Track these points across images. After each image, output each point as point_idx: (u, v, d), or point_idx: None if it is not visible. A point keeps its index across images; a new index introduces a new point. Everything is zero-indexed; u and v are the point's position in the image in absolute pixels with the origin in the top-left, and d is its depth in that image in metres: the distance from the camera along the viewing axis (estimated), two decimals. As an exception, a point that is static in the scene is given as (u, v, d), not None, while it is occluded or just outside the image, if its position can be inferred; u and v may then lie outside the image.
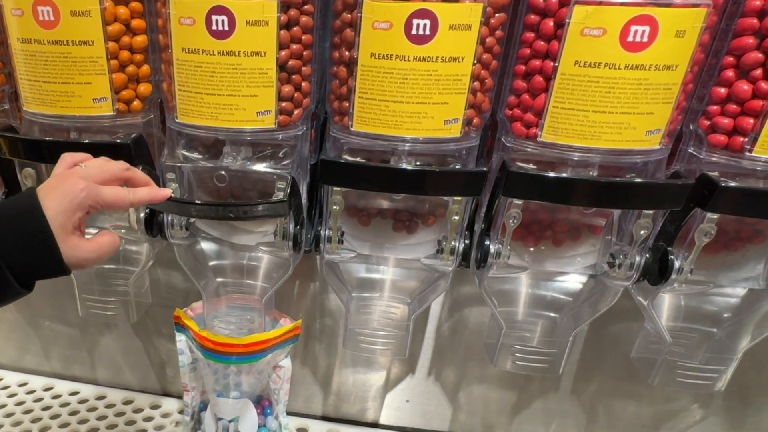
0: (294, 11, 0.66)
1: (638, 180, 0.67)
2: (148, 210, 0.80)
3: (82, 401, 1.16)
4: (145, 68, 0.74)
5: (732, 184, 0.63)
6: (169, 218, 0.81)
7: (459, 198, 0.72)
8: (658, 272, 0.72)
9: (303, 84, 0.71)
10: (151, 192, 0.61)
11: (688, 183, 0.65)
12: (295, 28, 0.67)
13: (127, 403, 1.16)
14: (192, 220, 0.82)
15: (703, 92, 0.65)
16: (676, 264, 0.70)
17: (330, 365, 1.09)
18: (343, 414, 1.14)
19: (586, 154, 0.66)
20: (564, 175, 0.67)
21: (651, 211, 0.69)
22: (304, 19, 0.67)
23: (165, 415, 1.13)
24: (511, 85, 0.68)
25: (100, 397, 1.17)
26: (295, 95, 0.70)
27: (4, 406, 1.14)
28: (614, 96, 0.61)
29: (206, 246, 0.89)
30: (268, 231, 0.82)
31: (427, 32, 0.62)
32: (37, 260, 0.53)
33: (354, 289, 0.87)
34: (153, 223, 0.81)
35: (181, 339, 0.93)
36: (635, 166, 0.68)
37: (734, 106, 0.63)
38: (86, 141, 0.75)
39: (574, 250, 0.79)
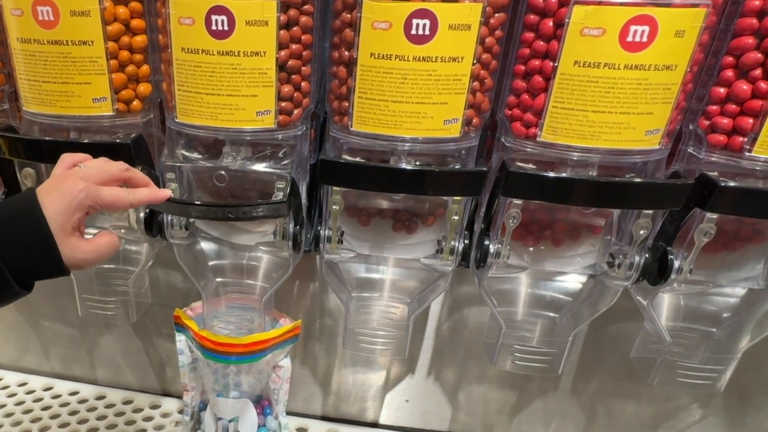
0: (293, 11, 0.66)
1: (638, 180, 0.67)
2: (147, 210, 0.80)
3: (82, 401, 1.16)
4: (145, 68, 0.74)
5: (731, 184, 0.63)
6: (169, 218, 0.81)
7: (458, 198, 0.72)
8: (657, 272, 0.72)
9: (302, 84, 0.71)
10: (150, 193, 0.61)
11: (688, 183, 0.65)
12: (294, 28, 0.67)
13: (126, 402, 1.16)
14: (192, 220, 0.83)
15: (703, 92, 0.65)
16: (676, 264, 0.70)
17: (330, 365, 1.09)
18: (343, 414, 1.14)
19: (585, 154, 0.66)
20: (563, 175, 0.67)
21: (650, 211, 0.69)
22: (303, 19, 0.67)
23: (165, 415, 1.13)
24: (511, 85, 0.68)
25: (100, 397, 1.17)
26: (295, 95, 0.70)
27: (3, 405, 1.14)
28: (614, 96, 0.61)
29: (206, 246, 0.89)
30: (267, 231, 0.82)
31: (427, 32, 0.62)
32: (37, 261, 0.53)
33: (354, 288, 0.87)
34: (153, 223, 0.81)
35: (180, 339, 0.93)
36: (635, 166, 0.68)
37: (734, 106, 0.63)
38: (86, 141, 0.75)
39: (573, 250, 0.79)
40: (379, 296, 0.87)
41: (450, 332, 1.02)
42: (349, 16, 0.65)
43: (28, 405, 1.14)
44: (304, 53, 0.69)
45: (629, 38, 0.58)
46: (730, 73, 0.62)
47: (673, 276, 0.71)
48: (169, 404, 1.16)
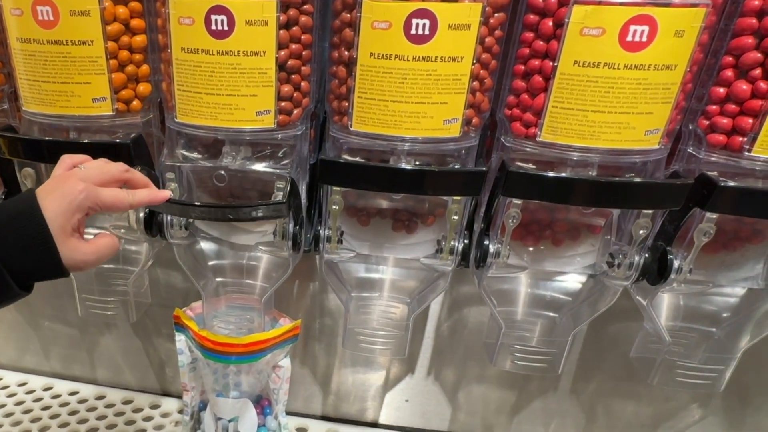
0: (293, 11, 0.66)
1: (637, 180, 0.67)
2: (147, 210, 0.80)
3: (82, 401, 1.16)
4: (145, 68, 0.74)
5: (731, 183, 0.63)
6: (169, 218, 0.81)
7: (458, 198, 0.72)
8: (657, 272, 0.72)
9: (302, 84, 0.71)
10: (150, 194, 0.61)
11: (687, 183, 0.65)
12: (294, 28, 0.67)
13: (126, 402, 1.16)
14: (191, 220, 0.83)
15: (702, 92, 0.65)
16: (675, 264, 0.70)
17: (329, 365, 1.09)
18: (343, 414, 1.14)
19: (585, 154, 0.66)
20: (563, 174, 0.67)
21: (650, 211, 0.69)
22: (303, 18, 0.67)
23: (164, 415, 1.13)
24: (511, 85, 0.68)
25: (100, 397, 1.17)
26: (295, 95, 0.70)
27: (3, 405, 1.14)
28: (613, 96, 0.61)
29: (206, 246, 0.89)
30: (267, 231, 0.82)
31: (427, 32, 0.62)
32: (36, 262, 0.53)
33: (353, 288, 0.87)
34: (152, 222, 0.81)
35: (180, 339, 0.93)
36: (634, 165, 0.68)
37: (733, 106, 0.63)
38: (85, 141, 0.75)
39: (573, 250, 0.79)
40: (378, 296, 0.87)
41: (450, 332, 1.02)
42: (348, 15, 0.65)
43: (27, 405, 1.14)
44: (303, 53, 0.69)
45: (629, 38, 0.58)
46: (729, 73, 0.62)
47: (672, 276, 0.71)
48: (169, 404, 1.16)
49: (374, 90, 0.66)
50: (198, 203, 0.73)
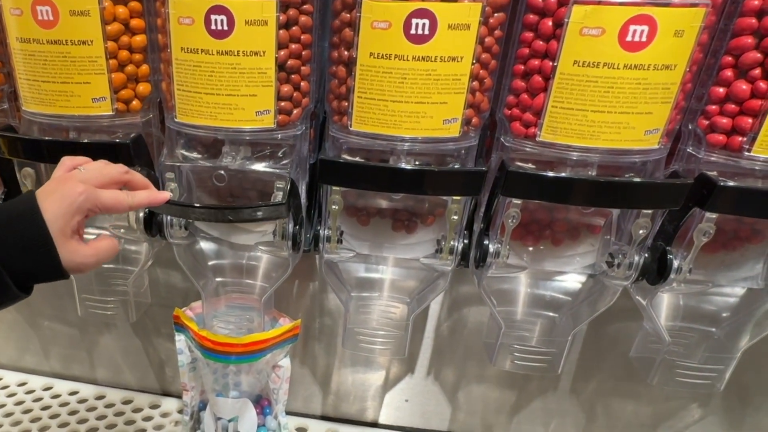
0: (293, 11, 0.66)
1: (637, 179, 0.67)
2: (147, 210, 0.80)
3: (82, 401, 1.16)
4: (144, 68, 0.74)
5: (731, 183, 0.63)
6: (168, 218, 0.81)
7: (458, 197, 0.72)
8: (656, 272, 0.72)
9: (302, 83, 0.71)
10: (149, 195, 0.61)
11: (687, 182, 0.65)
12: (294, 28, 0.67)
13: (126, 402, 1.16)
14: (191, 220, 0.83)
15: (702, 92, 0.65)
16: (675, 263, 0.70)
17: (329, 365, 1.09)
18: (343, 413, 1.14)
19: (584, 154, 0.66)
20: (563, 174, 0.67)
21: (650, 211, 0.69)
22: (303, 18, 0.67)
23: (164, 415, 1.13)
24: (510, 85, 0.68)
25: (100, 397, 1.17)
26: (294, 95, 0.70)
27: (3, 405, 1.14)
28: (613, 95, 0.61)
29: (205, 245, 0.89)
30: (267, 230, 0.82)
31: (426, 32, 0.62)
32: (36, 264, 0.53)
33: (353, 288, 0.87)
34: (152, 222, 0.81)
35: (180, 339, 0.93)
36: (634, 165, 0.68)
37: (733, 106, 0.63)
38: (85, 141, 0.75)
39: (573, 250, 0.79)
40: (378, 296, 0.88)
41: (449, 332, 1.02)
42: (348, 15, 0.65)
43: (27, 405, 1.14)
44: (303, 53, 0.69)
45: (628, 38, 0.58)
46: (729, 73, 0.62)
47: (672, 276, 0.71)
48: (169, 404, 1.16)
49: (374, 90, 0.66)
50: (197, 204, 0.73)
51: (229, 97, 0.68)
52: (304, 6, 0.66)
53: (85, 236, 0.58)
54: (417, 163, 0.70)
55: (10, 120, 0.83)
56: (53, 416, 1.11)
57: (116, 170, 0.59)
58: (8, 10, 0.70)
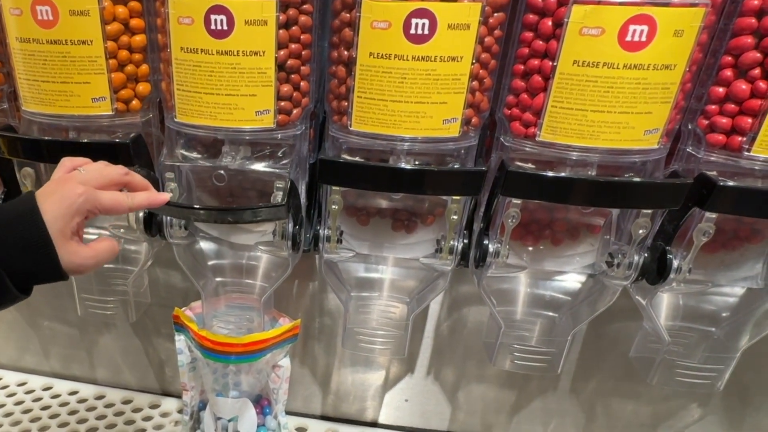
0: (293, 11, 0.66)
1: (637, 179, 0.67)
2: (147, 210, 0.80)
3: (81, 401, 1.16)
4: (144, 68, 0.74)
5: (730, 183, 0.63)
6: (168, 218, 0.81)
7: (458, 197, 0.72)
8: (656, 271, 0.72)
9: (302, 83, 0.71)
10: (149, 197, 0.61)
11: (687, 182, 0.65)
12: (293, 28, 0.67)
13: (126, 402, 1.16)
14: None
15: (702, 92, 0.65)
16: (675, 263, 0.70)
17: (329, 365, 1.09)
18: (342, 413, 1.14)
19: (584, 154, 0.66)
20: (562, 174, 0.67)
21: (649, 211, 0.69)
22: (302, 18, 0.67)
23: (164, 415, 1.13)
24: (510, 85, 0.68)
25: (100, 397, 1.17)
26: (294, 95, 0.70)
27: (3, 405, 1.14)
28: (613, 95, 0.61)
29: (205, 245, 0.89)
30: (267, 230, 0.82)
31: (426, 32, 0.62)
32: (36, 265, 0.53)
33: (353, 288, 0.87)
34: (152, 222, 0.81)
35: (180, 338, 0.93)
36: (634, 165, 0.68)
37: (732, 106, 0.63)
38: (85, 140, 0.75)
39: (572, 250, 0.79)
40: (378, 296, 0.88)
41: (449, 332, 1.02)
42: (348, 15, 0.65)
43: (27, 405, 1.14)
44: (303, 53, 0.69)
45: (628, 38, 0.59)
46: (729, 73, 0.62)
47: (672, 275, 0.71)
48: (169, 404, 1.16)
49: (374, 90, 0.66)
50: (197, 206, 0.73)
51: (229, 97, 0.68)
52: (304, 6, 0.66)
53: (84, 236, 0.58)
54: (417, 162, 0.70)
55: (9, 120, 0.83)
56: (53, 416, 1.11)
57: (116, 171, 0.59)
58: (8, 9, 0.70)
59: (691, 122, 0.67)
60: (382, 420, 1.13)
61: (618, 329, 0.94)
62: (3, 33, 0.73)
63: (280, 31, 0.66)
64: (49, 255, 0.52)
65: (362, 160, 0.72)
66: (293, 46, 0.68)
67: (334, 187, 0.73)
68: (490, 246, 0.74)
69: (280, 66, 0.68)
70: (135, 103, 0.76)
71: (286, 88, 0.69)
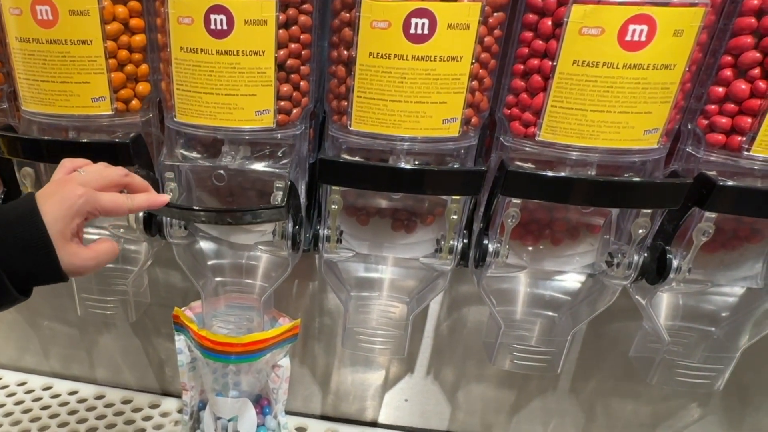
0: (292, 10, 0.66)
1: (636, 179, 0.67)
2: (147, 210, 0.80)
3: (81, 400, 1.16)
4: (144, 67, 0.74)
5: (730, 183, 0.63)
6: (168, 218, 0.81)
7: (457, 197, 0.72)
8: (656, 271, 0.72)
9: (302, 83, 0.71)
10: (149, 198, 0.62)
11: (686, 182, 0.65)
12: (293, 28, 0.67)
13: (126, 402, 1.16)
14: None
15: (701, 91, 0.65)
16: (675, 263, 0.70)
17: (329, 364, 1.09)
18: (342, 413, 1.14)
19: (584, 153, 0.66)
20: (562, 174, 0.67)
21: (649, 210, 0.69)
22: (302, 18, 0.67)
23: (164, 415, 1.13)
24: (510, 85, 0.68)
25: (99, 397, 1.17)
26: (294, 94, 0.70)
27: (3, 405, 1.14)
28: (612, 95, 0.61)
29: (205, 245, 0.89)
30: (266, 230, 0.82)
31: (426, 31, 0.62)
32: (35, 267, 0.53)
33: (353, 288, 0.87)
34: (152, 222, 0.81)
35: (180, 338, 0.93)
36: (633, 165, 0.68)
37: (732, 106, 0.63)
38: (85, 140, 0.75)
39: (572, 249, 0.79)
40: (378, 295, 0.88)
41: (449, 331, 1.02)
42: (348, 15, 0.65)
43: (27, 404, 1.14)
44: (303, 52, 0.69)
45: (628, 37, 0.59)
46: (728, 73, 0.62)
47: (671, 275, 0.71)
48: (169, 404, 1.16)
49: (373, 89, 0.66)
50: (197, 207, 0.73)
51: (229, 97, 0.68)
52: (304, 5, 0.66)
53: (84, 236, 0.58)
54: (416, 162, 0.70)
55: (9, 120, 0.83)
56: (53, 416, 1.11)
57: (116, 173, 0.60)
58: (8, 9, 0.70)
59: (690, 122, 0.67)
60: (381, 420, 1.13)
61: (618, 329, 0.94)
62: (3, 33, 0.73)
63: (280, 31, 0.66)
64: (49, 256, 0.52)
65: (362, 159, 0.72)
66: (293, 45, 0.68)
67: (333, 187, 0.73)
68: (489, 246, 0.74)
69: (280, 66, 0.68)
70: (135, 102, 0.76)
71: (285, 88, 0.69)
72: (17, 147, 0.76)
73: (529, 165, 0.69)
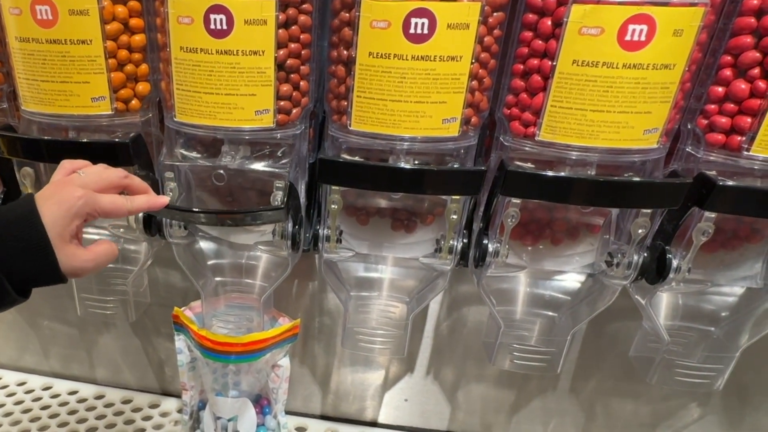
0: (292, 10, 0.66)
1: (636, 179, 0.67)
2: (146, 210, 0.80)
3: (81, 400, 1.16)
4: (144, 67, 0.74)
5: (730, 183, 0.63)
6: (168, 217, 0.81)
7: (457, 197, 0.72)
8: (656, 271, 0.72)
9: (301, 83, 0.71)
10: (149, 200, 0.62)
11: (686, 182, 0.65)
12: (293, 27, 0.67)
13: (126, 402, 1.16)
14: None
15: (701, 91, 0.65)
16: (674, 263, 0.70)
17: (329, 364, 1.09)
18: (342, 413, 1.14)
19: (584, 153, 0.66)
20: (562, 174, 0.67)
21: (649, 210, 0.69)
22: (302, 18, 0.67)
23: (164, 414, 1.13)
24: (509, 84, 0.68)
25: (99, 397, 1.17)
26: (294, 94, 0.70)
27: (2, 405, 1.14)
28: (612, 95, 0.61)
29: (205, 245, 0.89)
30: (266, 230, 0.82)
31: (425, 31, 0.62)
32: (34, 268, 0.53)
33: (352, 288, 0.87)
34: (152, 222, 0.81)
35: (179, 338, 0.93)
36: (633, 165, 0.68)
37: (732, 105, 0.63)
38: (84, 140, 0.75)
39: (572, 249, 0.79)
40: (377, 295, 0.88)
41: (449, 331, 1.02)
42: (347, 15, 0.65)
43: (27, 404, 1.14)
44: (302, 52, 0.69)
45: (627, 37, 0.59)
46: (728, 72, 0.62)
47: (671, 275, 0.71)
48: (168, 403, 1.16)
49: (373, 89, 0.66)
50: (197, 209, 0.73)
51: (229, 97, 0.68)
52: (304, 5, 0.66)
53: (84, 236, 0.58)
54: (416, 162, 0.70)
55: (9, 119, 0.83)
56: (53, 416, 1.11)
57: (115, 174, 0.60)
58: (7, 9, 0.70)
59: (690, 122, 0.67)
60: (381, 420, 1.13)
61: (617, 329, 0.94)
62: (2, 32, 0.73)
63: (280, 31, 0.66)
64: (48, 258, 0.52)
65: (362, 159, 0.72)
66: (293, 45, 0.68)
67: (333, 187, 0.73)
68: (489, 245, 0.74)
69: (280, 65, 0.68)
70: (134, 102, 0.76)
71: (285, 88, 0.69)
72: (17, 147, 0.76)
73: (529, 165, 0.69)
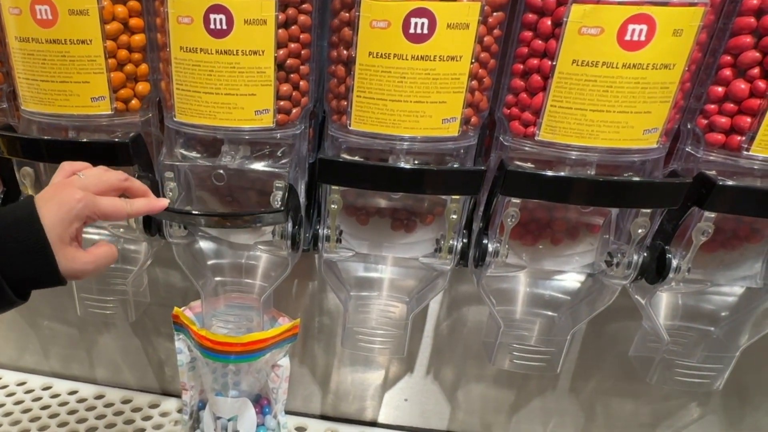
0: (292, 10, 0.66)
1: (636, 179, 0.67)
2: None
3: (81, 400, 1.16)
4: (144, 67, 0.74)
5: (729, 182, 0.63)
6: (168, 217, 0.81)
7: (457, 197, 0.72)
8: (655, 271, 0.72)
9: (301, 83, 0.71)
10: (148, 203, 0.62)
11: (686, 182, 0.65)
12: (293, 27, 0.67)
13: (125, 402, 1.16)
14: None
15: (701, 91, 0.65)
16: (674, 263, 0.70)
17: (328, 364, 1.09)
18: (342, 413, 1.14)
19: (583, 153, 0.66)
20: (562, 173, 0.67)
21: (648, 210, 0.69)
22: (302, 17, 0.67)
23: (164, 414, 1.13)
24: (509, 84, 0.68)
25: (99, 396, 1.17)
26: (294, 94, 0.70)
27: (2, 405, 1.13)
28: (612, 95, 0.61)
29: (205, 245, 0.89)
30: (266, 230, 0.82)
31: (425, 31, 0.62)
32: (34, 271, 0.53)
33: (352, 288, 0.87)
34: (151, 222, 0.81)
35: (179, 338, 0.93)
36: (633, 164, 0.68)
37: (732, 105, 0.63)
38: (84, 140, 0.75)
39: (572, 249, 0.79)
40: (377, 295, 0.88)
41: (449, 331, 1.02)
42: (347, 14, 0.65)
43: (27, 404, 1.14)
44: (302, 52, 0.69)
45: (627, 37, 0.59)
46: (728, 72, 0.62)
47: (671, 275, 0.71)
48: (168, 403, 1.16)
49: (373, 89, 0.66)
50: (196, 212, 0.73)
51: (228, 97, 0.68)
52: (303, 5, 0.66)
53: (84, 236, 0.58)
54: (416, 162, 0.71)
55: (9, 119, 0.83)
56: (52, 416, 1.11)
57: (115, 177, 0.60)
58: (7, 9, 0.70)
59: (690, 122, 0.67)
60: (381, 419, 1.13)
61: (617, 328, 0.94)
62: (2, 32, 0.73)
63: (280, 31, 0.66)
64: (48, 260, 0.52)
65: (361, 159, 0.72)
66: (292, 45, 0.68)
67: (333, 187, 0.73)
68: (489, 245, 0.74)
69: (280, 65, 0.68)
70: (134, 102, 0.76)
71: (285, 88, 0.69)
72: (17, 147, 0.76)
73: (529, 165, 0.69)
